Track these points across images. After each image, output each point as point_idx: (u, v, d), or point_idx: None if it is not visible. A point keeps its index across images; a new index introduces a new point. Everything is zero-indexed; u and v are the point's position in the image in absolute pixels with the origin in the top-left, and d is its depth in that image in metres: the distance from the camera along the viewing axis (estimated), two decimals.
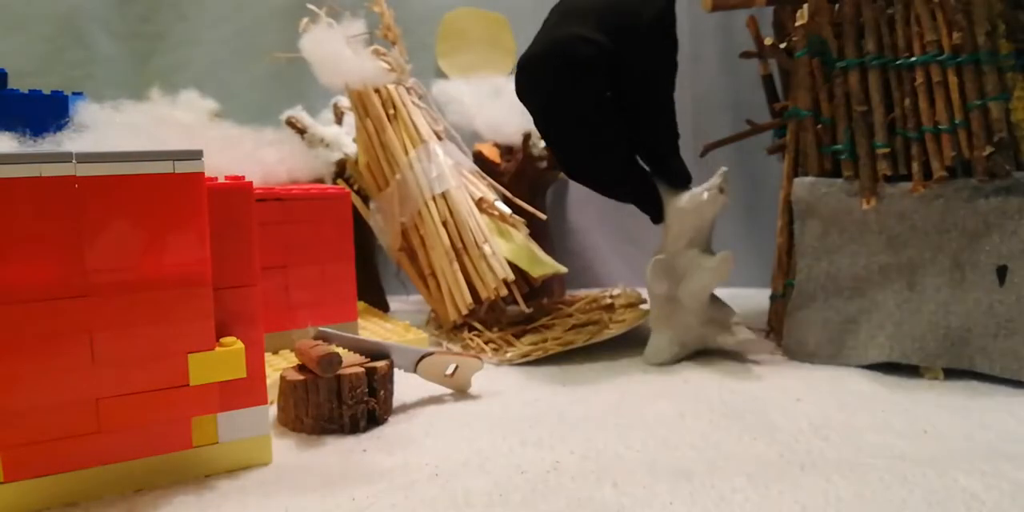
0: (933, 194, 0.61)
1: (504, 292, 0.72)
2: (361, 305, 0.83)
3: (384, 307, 0.91)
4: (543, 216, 0.84)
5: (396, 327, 0.75)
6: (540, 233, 0.86)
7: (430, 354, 0.57)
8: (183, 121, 0.68)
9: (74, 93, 0.69)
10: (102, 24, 0.94)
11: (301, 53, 0.77)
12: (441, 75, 1.02)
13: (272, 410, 0.53)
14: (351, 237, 0.69)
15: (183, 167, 0.40)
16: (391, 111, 0.78)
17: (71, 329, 0.38)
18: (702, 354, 0.69)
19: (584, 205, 1.07)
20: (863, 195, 0.63)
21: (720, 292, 0.67)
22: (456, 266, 0.73)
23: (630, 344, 0.72)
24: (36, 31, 0.92)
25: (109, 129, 0.55)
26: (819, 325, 0.65)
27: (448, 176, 0.76)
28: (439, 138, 0.80)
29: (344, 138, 0.86)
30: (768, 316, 0.74)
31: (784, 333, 0.68)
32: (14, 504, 0.38)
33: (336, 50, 0.75)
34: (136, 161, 0.39)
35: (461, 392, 0.59)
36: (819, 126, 0.65)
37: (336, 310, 0.69)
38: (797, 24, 0.66)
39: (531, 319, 0.76)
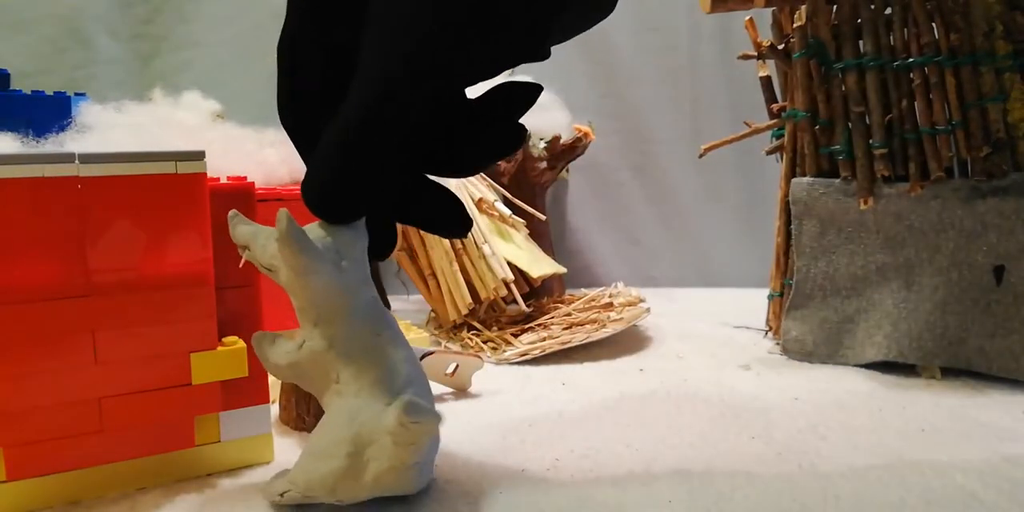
0: (930, 194, 0.61)
1: (503, 292, 0.73)
2: None
3: (385, 306, 0.91)
4: (543, 217, 0.85)
5: None
6: (540, 233, 0.86)
7: (430, 353, 0.57)
8: (185, 122, 0.68)
9: (77, 94, 0.69)
10: (104, 25, 0.95)
11: None
12: None
13: (274, 409, 0.53)
14: None
15: (185, 168, 0.40)
16: None
17: (74, 329, 0.39)
18: (700, 354, 0.70)
19: (584, 205, 1.08)
20: (861, 195, 0.63)
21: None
22: (456, 266, 0.74)
23: (629, 343, 0.73)
24: (38, 32, 0.92)
25: (112, 130, 0.55)
26: (817, 324, 0.66)
27: None
28: None
29: None
30: (766, 315, 0.74)
31: (782, 332, 0.68)
32: (17, 503, 0.39)
33: None
34: (139, 162, 0.39)
35: (461, 391, 0.59)
36: (817, 127, 0.65)
37: None
38: (795, 25, 0.66)
39: (530, 318, 0.77)
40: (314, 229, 0.37)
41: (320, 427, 0.37)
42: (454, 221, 0.41)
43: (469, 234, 0.73)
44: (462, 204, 0.41)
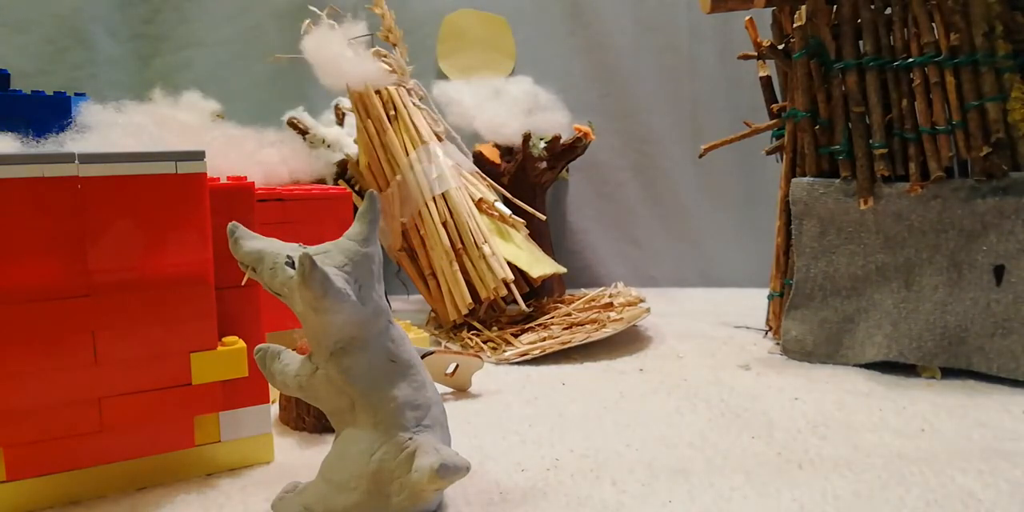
0: (930, 194, 0.61)
1: (503, 292, 0.73)
2: None
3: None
4: (543, 217, 0.85)
5: None
6: (540, 233, 0.86)
7: (431, 353, 0.57)
8: (185, 122, 0.68)
9: (77, 94, 0.69)
10: (104, 25, 0.95)
11: (303, 54, 0.77)
12: (442, 76, 1.02)
13: (274, 409, 0.53)
14: None
15: (185, 167, 0.40)
16: (392, 112, 0.79)
17: (74, 328, 0.39)
18: (700, 354, 0.70)
19: (584, 205, 1.07)
20: (861, 195, 0.63)
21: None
22: (456, 266, 0.74)
23: (629, 343, 0.73)
24: (39, 32, 0.92)
25: (112, 130, 0.55)
26: (817, 324, 0.66)
27: (448, 177, 0.77)
28: (439, 139, 0.81)
29: (345, 139, 0.86)
30: (766, 315, 0.74)
31: (782, 332, 0.68)
32: (17, 502, 0.39)
33: (338, 52, 0.76)
34: (139, 162, 0.39)
35: (461, 391, 0.59)
36: (817, 127, 0.65)
37: None
38: (795, 25, 0.66)
39: (530, 318, 0.77)
40: (334, 255, 0.36)
41: (336, 454, 0.38)
42: None
43: (469, 234, 0.74)
44: None
